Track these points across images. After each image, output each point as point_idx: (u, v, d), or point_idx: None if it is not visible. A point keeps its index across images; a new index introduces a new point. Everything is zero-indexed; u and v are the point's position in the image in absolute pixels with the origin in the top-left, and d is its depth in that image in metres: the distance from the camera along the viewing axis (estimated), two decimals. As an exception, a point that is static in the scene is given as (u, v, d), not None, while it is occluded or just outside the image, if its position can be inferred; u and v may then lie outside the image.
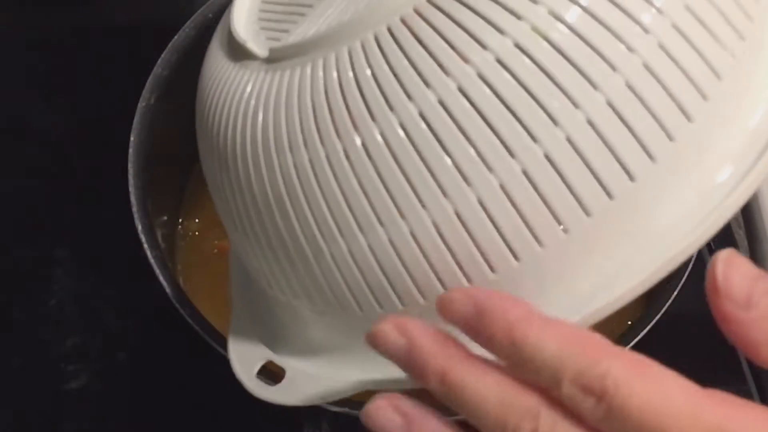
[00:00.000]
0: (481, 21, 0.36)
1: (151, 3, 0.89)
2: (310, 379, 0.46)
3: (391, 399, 0.37)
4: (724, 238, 0.78)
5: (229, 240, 0.51)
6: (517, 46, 0.35)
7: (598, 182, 0.35)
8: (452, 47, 0.36)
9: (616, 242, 0.36)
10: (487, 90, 0.35)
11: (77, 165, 0.81)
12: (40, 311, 0.73)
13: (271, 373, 0.48)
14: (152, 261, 0.59)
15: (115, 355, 0.72)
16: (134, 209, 0.61)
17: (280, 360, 0.48)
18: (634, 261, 0.36)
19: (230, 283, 0.55)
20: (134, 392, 0.71)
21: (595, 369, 0.32)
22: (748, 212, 0.63)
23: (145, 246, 0.60)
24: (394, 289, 0.39)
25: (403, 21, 0.37)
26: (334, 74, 0.39)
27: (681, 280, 0.59)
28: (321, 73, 0.39)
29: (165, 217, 0.68)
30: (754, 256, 0.63)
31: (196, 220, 0.72)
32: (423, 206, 0.37)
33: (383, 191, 0.37)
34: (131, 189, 0.62)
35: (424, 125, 0.36)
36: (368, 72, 0.38)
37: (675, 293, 0.59)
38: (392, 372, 0.38)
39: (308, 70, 0.40)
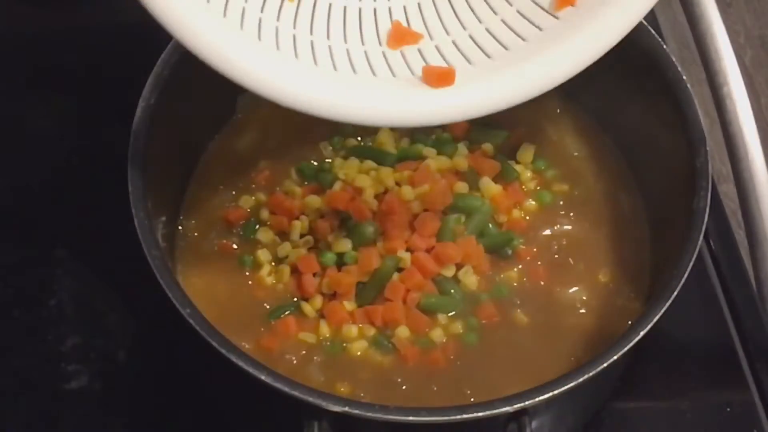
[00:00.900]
0: None
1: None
2: None
3: None
4: (724, 239, 0.78)
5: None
6: None
7: (530, 24, 0.59)
8: None
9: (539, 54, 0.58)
10: None
11: (77, 165, 0.81)
12: (40, 311, 0.73)
13: None
14: (152, 261, 0.59)
15: (115, 355, 0.72)
16: (134, 209, 0.61)
17: None
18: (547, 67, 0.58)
19: None
20: (134, 392, 0.71)
21: None
22: (748, 212, 0.63)
23: (145, 246, 0.60)
24: None
25: None
26: None
27: (681, 280, 0.59)
28: None
29: (165, 217, 0.68)
30: (754, 256, 0.63)
31: (196, 221, 0.72)
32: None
33: None
34: (131, 189, 0.62)
35: None
36: None
37: (675, 293, 0.59)
38: None
39: None
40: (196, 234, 0.71)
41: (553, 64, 0.58)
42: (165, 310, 0.58)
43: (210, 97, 0.73)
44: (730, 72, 0.61)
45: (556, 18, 0.59)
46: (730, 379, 0.72)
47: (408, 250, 0.67)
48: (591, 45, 0.58)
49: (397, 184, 0.70)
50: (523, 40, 0.59)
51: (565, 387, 0.56)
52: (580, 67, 0.58)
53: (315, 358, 0.65)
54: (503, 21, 0.61)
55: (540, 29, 0.59)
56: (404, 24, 0.61)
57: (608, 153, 0.76)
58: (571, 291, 0.69)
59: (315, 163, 0.74)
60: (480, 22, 0.61)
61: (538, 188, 0.73)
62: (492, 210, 0.70)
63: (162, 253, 0.60)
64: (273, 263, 0.69)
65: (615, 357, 0.57)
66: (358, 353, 0.65)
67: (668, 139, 0.68)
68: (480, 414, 0.55)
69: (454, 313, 0.67)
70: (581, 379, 0.56)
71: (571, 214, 0.72)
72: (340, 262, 0.67)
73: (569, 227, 0.72)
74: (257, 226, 0.70)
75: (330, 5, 0.60)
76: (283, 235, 0.70)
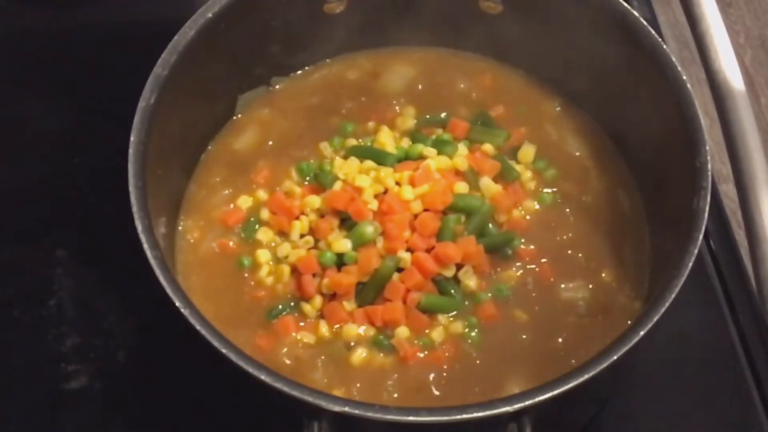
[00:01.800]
0: None
1: (151, 3, 0.89)
2: None
3: None
4: (724, 239, 0.78)
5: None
6: None
7: None
8: None
9: None
10: None
11: (77, 165, 0.81)
12: (40, 311, 0.73)
13: None
14: (152, 261, 0.59)
15: (115, 355, 0.72)
16: (134, 209, 0.61)
17: None
18: None
19: None
20: (134, 392, 0.71)
21: None
22: (748, 212, 0.63)
23: (145, 246, 0.60)
24: None
25: None
26: None
27: (681, 280, 0.59)
28: None
29: (165, 217, 0.68)
30: (754, 256, 0.63)
31: (196, 221, 0.72)
32: None
33: None
34: (131, 189, 0.62)
35: None
36: None
37: (675, 293, 0.59)
38: None
39: None
40: (195, 234, 0.71)
41: None
42: (165, 310, 0.58)
43: (210, 97, 0.73)
44: (730, 72, 0.61)
45: None
46: (729, 379, 0.72)
47: (408, 250, 0.67)
48: None
49: (397, 184, 0.70)
50: None
51: (565, 387, 0.56)
52: None
53: (315, 358, 0.65)
54: None
55: None
56: None
57: (608, 153, 0.75)
58: (571, 291, 0.69)
59: (315, 163, 0.74)
60: None
61: (539, 188, 0.73)
62: (492, 210, 0.70)
63: (162, 253, 0.60)
64: (272, 263, 0.69)
65: (615, 357, 0.57)
66: (358, 353, 0.65)
67: (668, 139, 0.68)
68: (480, 414, 0.55)
69: (454, 313, 0.67)
70: (581, 379, 0.56)
71: (571, 214, 0.72)
72: (340, 263, 0.67)
73: (569, 227, 0.72)
74: (257, 226, 0.71)
75: None
76: (283, 235, 0.70)
